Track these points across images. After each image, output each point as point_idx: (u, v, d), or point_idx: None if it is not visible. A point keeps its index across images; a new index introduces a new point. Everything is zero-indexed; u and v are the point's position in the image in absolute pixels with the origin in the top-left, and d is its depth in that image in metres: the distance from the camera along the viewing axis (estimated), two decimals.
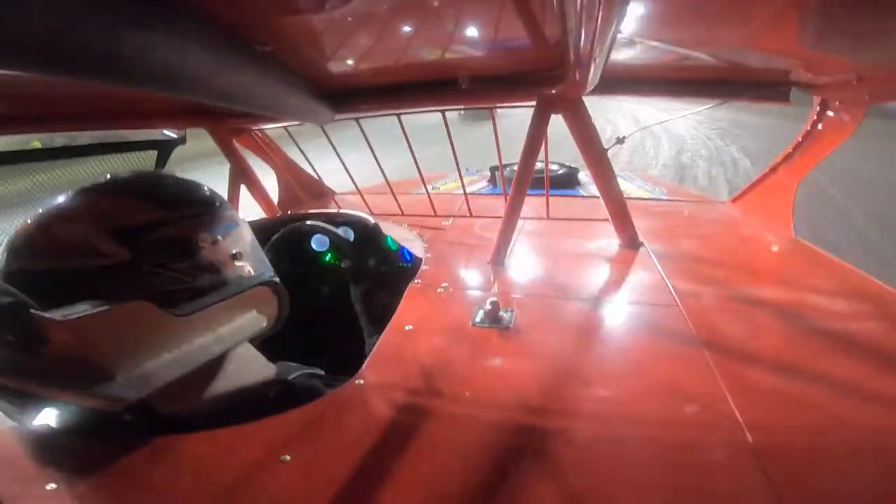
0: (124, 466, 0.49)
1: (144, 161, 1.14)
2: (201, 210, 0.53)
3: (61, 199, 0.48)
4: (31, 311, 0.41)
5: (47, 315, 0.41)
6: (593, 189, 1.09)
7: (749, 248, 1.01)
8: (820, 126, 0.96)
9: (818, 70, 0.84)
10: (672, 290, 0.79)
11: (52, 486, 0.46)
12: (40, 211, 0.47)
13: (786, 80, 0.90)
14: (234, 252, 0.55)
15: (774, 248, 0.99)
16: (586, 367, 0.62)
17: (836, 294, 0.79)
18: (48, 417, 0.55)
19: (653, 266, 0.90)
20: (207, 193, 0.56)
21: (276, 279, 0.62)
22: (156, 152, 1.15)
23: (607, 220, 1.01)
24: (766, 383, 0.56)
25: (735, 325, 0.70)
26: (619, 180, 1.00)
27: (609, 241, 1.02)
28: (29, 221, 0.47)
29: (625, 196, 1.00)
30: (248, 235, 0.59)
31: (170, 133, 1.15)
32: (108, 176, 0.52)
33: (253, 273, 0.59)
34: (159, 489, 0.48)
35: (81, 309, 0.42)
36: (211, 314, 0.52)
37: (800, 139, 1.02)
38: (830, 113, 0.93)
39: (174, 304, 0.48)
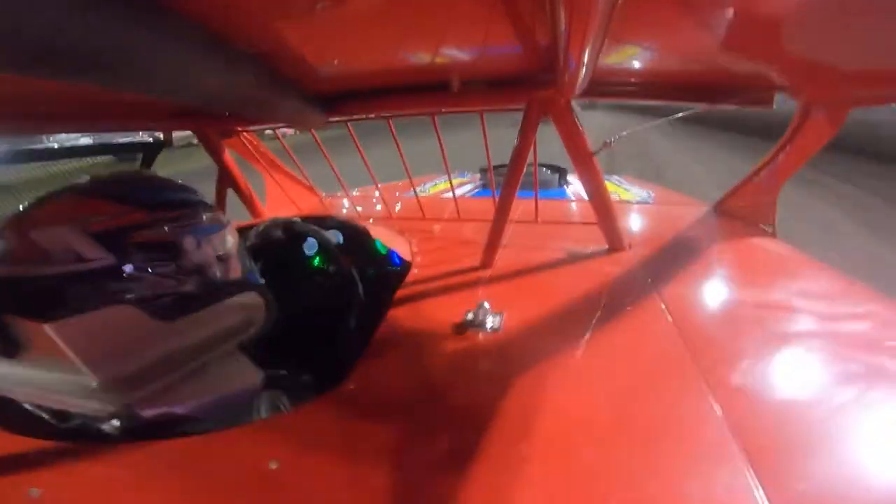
0: (109, 471, 0.49)
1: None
2: (185, 212, 0.52)
3: (41, 200, 0.47)
4: (13, 315, 0.40)
5: (29, 320, 0.40)
6: (581, 189, 1.10)
7: (734, 251, 1.03)
8: (802, 129, 0.98)
9: (801, 74, 0.86)
10: (658, 293, 0.80)
11: (35, 490, 0.46)
12: (19, 213, 0.46)
13: (769, 84, 0.91)
14: (219, 254, 0.54)
15: (759, 251, 1.01)
16: (574, 370, 0.62)
17: (819, 295, 0.81)
18: (32, 422, 0.53)
19: (639, 269, 0.91)
20: (191, 194, 0.55)
21: (263, 282, 0.61)
22: (140, 155, 1.13)
23: (595, 223, 1.02)
24: (750, 385, 0.57)
25: (720, 327, 0.71)
26: (607, 183, 1.01)
27: (597, 243, 1.03)
28: (6, 225, 0.45)
29: (612, 199, 1.01)
30: (233, 238, 0.58)
31: (155, 135, 1.13)
32: (88, 177, 0.51)
33: (239, 276, 0.58)
34: (144, 494, 0.47)
35: (64, 314, 0.41)
36: (196, 319, 0.51)
37: (783, 142, 1.04)
38: (813, 116, 0.95)
39: (160, 308, 0.47)
